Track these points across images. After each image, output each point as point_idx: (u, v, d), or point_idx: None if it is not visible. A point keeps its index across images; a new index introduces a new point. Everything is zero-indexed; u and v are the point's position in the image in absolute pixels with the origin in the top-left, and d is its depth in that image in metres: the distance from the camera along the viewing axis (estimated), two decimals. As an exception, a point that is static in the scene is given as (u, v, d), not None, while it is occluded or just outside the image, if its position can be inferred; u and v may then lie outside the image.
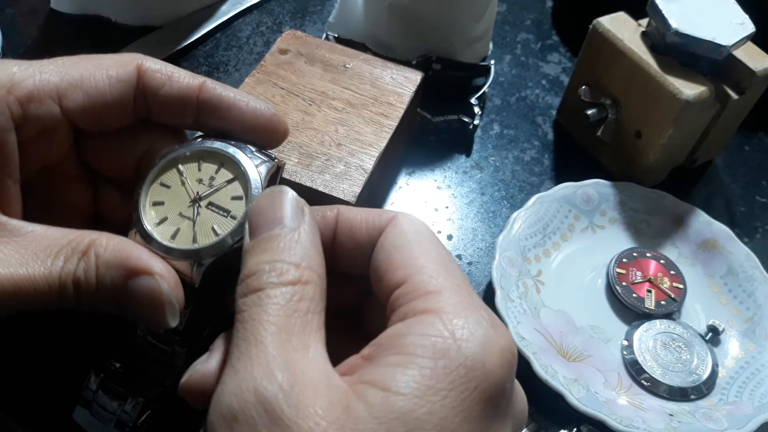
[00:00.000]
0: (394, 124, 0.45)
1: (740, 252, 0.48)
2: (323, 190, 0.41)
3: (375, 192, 0.48)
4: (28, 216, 0.28)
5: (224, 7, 0.64)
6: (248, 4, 0.65)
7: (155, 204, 0.30)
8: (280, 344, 0.22)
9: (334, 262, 0.28)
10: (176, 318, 0.27)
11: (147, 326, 0.30)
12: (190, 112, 0.31)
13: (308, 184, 0.42)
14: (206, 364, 0.25)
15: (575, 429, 0.41)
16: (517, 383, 0.25)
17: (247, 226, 0.26)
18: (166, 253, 0.28)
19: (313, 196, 0.41)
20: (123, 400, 0.30)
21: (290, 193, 0.26)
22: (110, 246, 0.26)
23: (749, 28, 0.47)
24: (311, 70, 0.48)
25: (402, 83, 0.48)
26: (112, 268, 0.26)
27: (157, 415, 0.31)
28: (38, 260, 0.26)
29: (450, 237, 0.51)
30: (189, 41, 0.60)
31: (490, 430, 0.22)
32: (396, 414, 0.20)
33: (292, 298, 0.23)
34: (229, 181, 0.29)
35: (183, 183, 0.30)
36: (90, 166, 0.33)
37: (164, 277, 0.27)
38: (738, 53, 0.48)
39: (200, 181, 0.30)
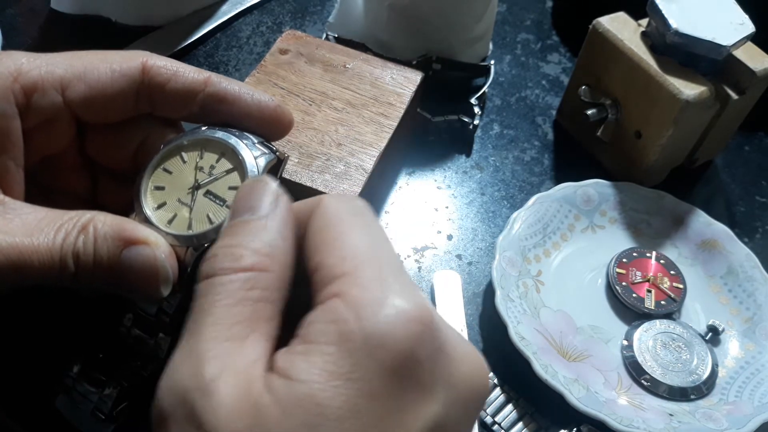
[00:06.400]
0: (394, 124, 0.45)
1: (740, 252, 0.48)
2: (323, 190, 0.41)
3: (375, 192, 0.48)
4: (30, 202, 0.29)
5: (224, 7, 0.64)
6: (248, 4, 0.65)
7: (156, 188, 0.30)
8: (216, 335, 0.22)
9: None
10: (169, 287, 0.27)
11: (140, 301, 0.30)
12: (195, 106, 0.31)
13: (308, 184, 0.42)
14: None
15: (575, 429, 0.41)
16: (466, 350, 0.23)
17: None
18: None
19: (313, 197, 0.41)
20: (102, 388, 0.31)
21: (270, 183, 0.26)
22: (108, 221, 0.27)
23: (749, 28, 0.47)
24: (311, 70, 0.48)
25: (402, 83, 0.48)
26: (108, 239, 0.27)
27: (134, 407, 0.32)
28: (42, 233, 0.26)
29: (450, 237, 0.51)
30: (189, 41, 0.60)
31: (405, 404, 0.21)
32: (297, 401, 0.20)
33: (242, 286, 0.23)
34: (228, 171, 0.30)
35: (184, 170, 0.30)
36: (89, 156, 0.33)
37: (159, 246, 0.27)
38: (738, 53, 0.48)
39: (201, 169, 0.30)
